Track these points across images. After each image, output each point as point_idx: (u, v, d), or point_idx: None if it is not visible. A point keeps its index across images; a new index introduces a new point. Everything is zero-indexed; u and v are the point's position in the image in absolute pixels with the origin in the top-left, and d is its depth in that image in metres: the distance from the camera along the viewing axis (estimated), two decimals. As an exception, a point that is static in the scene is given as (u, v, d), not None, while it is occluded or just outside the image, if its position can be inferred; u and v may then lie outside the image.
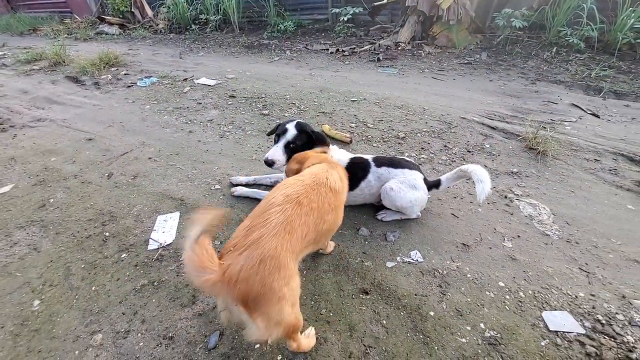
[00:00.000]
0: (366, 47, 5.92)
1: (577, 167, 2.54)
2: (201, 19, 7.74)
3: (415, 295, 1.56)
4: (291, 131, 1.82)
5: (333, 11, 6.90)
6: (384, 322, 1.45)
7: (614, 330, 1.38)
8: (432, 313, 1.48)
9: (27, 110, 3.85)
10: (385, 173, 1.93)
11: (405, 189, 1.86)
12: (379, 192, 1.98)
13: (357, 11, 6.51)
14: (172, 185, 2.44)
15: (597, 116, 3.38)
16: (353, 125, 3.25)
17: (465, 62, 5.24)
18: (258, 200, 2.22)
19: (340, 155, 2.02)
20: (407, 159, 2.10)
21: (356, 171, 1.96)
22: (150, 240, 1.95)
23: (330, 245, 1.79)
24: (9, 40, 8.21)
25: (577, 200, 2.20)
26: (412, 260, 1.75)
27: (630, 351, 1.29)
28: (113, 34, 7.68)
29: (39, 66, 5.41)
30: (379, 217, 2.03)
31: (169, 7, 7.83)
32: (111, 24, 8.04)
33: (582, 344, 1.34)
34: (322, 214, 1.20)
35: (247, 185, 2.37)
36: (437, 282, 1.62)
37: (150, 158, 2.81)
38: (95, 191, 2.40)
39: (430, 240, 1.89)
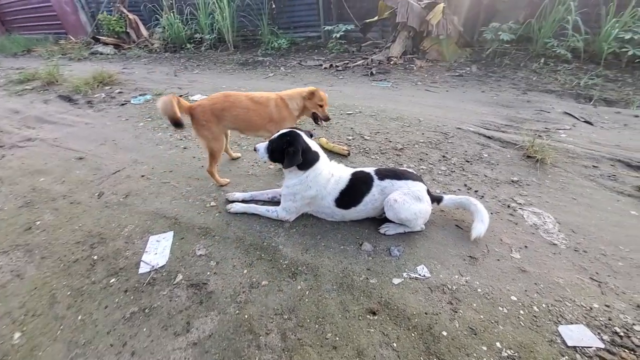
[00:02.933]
0: (359, 62, 6.03)
1: (577, 174, 2.53)
2: (196, 38, 7.87)
3: (426, 314, 1.48)
4: (275, 136, 1.87)
5: (325, 28, 7.08)
6: (395, 344, 1.36)
7: (632, 342, 1.31)
8: (444, 333, 1.39)
9: (17, 130, 3.77)
10: (389, 185, 1.88)
11: (409, 200, 1.81)
12: (382, 205, 1.93)
13: (348, 28, 6.67)
14: (165, 204, 2.35)
15: (591, 123, 3.42)
16: (350, 137, 3.23)
17: (457, 74, 5.34)
18: (256, 216, 2.15)
19: (340, 171, 1.97)
20: (409, 170, 2.06)
21: (359, 186, 1.91)
22: (141, 262, 1.85)
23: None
24: (2, 61, 8.20)
25: (580, 207, 2.17)
26: (419, 276, 1.67)
27: (656, 367, 1.22)
28: (108, 54, 7.73)
29: (31, 86, 5.37)
30: (382, 231, 1.96)
31: (165, 27, 7.95)
32: (106, 44, 8.11)
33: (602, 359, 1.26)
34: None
35: (244, 201, 2.30)
36: (447, 299, 1.55)
37: (143, 176, 2.73)
38: (84, 212, 2.30)
39: (436, 253, 1.82)
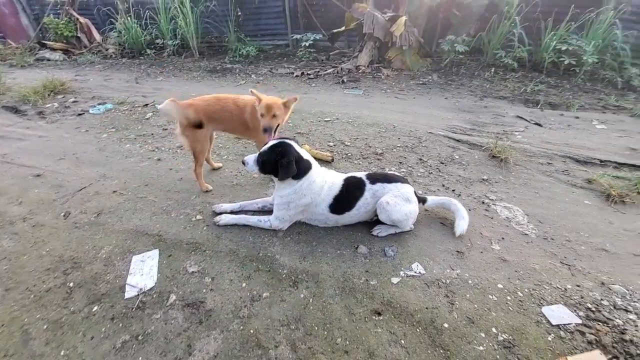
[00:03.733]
0: (329, 71, 6.18)
1: (535, 170, 2.84)
2: (157, 43, 7.48)
3: (426, 308, 1.55)
4: (265, 147, 1.86)
5: (294, 37, 7.16)
6: (402, 342, 1.41)
7: (604, 315, 1.51)
8: (446, 325, 1.48)
9: (-50, 147, 3.27)
10: (380, 189, 1.96)
11: (400, 202, 1.90)
12: (374, 208, 2.00)
13: (317, 37, 6.83)
14: (145, 220, 2.20)
15: (540, 125, 3.87)
16: (331, 144, 3.29)
17: (421, 82, 5.72)
18: (247, 227, 2.10)
19: (333, 177, 2.01)
20: (397, 173, 2.17)
21: (353, 191, 1.97)
22: (126, 286, 1.71)
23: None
24: None
25: (542, 200, 2.44)
26: (415, 273, 1.75)
27: (623, 333, 1.41)
28: (56, 60, 7.03)
29: (-37, 96, 4.71)
30: (375, 233, 2.03)
31: (121, 32, 7.46)
32: (54, 49, 7.37)
33: (582, 333, 1.43)
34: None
35: (232, 212, 2.23)
36: (443, 292, 1.64)
37: (114, 191, 2.53)
38: (51, 235, 2.07)
39: (427, 251, 1.93)
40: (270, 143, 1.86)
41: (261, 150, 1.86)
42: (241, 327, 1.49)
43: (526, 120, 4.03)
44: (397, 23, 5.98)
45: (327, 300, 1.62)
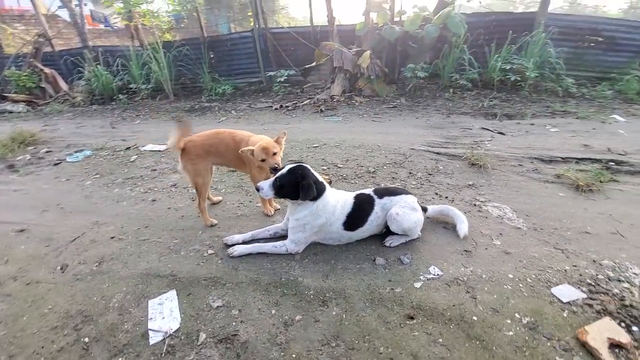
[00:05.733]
0: (306, 102, 6.53)
1: (510, 172, 3.18)
2: (130, 88, 7.46)
3: (453, 306, 1.65)
4: (282, 172, 1.93)
5: (268, 74, 7.55)
6: (440, 340, 1.48)
7: (602, 287, 1.70)
8: (474, 318, 1.57)
9: None
10: (387, 202, 2.10)
11: (408, 212, 2.05)
12: (383, 220, 2.12)
13: (290, 73, 7.26)
14: (153, 262, 2.12)
15: (503, 134, 4.35)
16: (325, 167, 3.44)
17: (391, 106, 6.21)
18: (262, 254, 2.10)
19: (344, 196, 2.13)
20: (398, 186, 2.33)
21: (364, 207, 2.08)
22: (149, 332, 1.62)
23: None
24: None
25: (523, 197, 2.72)
26: (434, 276, 1.86)
27: (622, 300, 1.60)
28: (19, 112, 6.69)
29: None
30: (387, 244, 2.13)
31: (90, 80, 7.37)
32: (15, 101, 7.03)
33: (590, 306, 1.60)
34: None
35: (244, 242, 2.23)
36: (464, 289, 1.76)
37: (113, 237, 2.42)
38: (50, 291, 1.92)
39: (438, 254, 2.06)
40: (288, 167, 1.95)
41: (277, 174, 1.93)
42: (282, 354, 1.47)
43: (491, 130, 4.52)
44: (363, 56, 6.58)
45: (360, 313, 1.66)
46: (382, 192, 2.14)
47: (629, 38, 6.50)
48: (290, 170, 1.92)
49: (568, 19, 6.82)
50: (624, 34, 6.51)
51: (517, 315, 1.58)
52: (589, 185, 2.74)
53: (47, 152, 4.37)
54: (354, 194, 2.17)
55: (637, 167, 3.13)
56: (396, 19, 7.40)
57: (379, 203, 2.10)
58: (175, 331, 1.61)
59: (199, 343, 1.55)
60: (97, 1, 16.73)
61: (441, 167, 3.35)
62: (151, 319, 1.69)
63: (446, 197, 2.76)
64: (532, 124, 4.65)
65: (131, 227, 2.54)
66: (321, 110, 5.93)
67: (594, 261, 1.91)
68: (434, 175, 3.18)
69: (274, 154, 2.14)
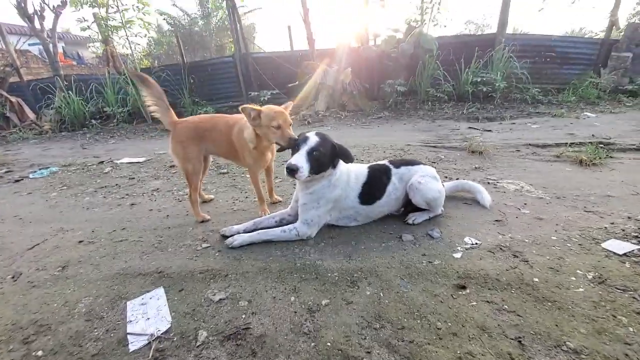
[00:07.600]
0: (292, 117, 6.47)
1: (511, 156, 3.15)
2: (105, 112, 7.07)
3: (506, 270, 1.41)
4: (312, 139, 1.65)
5: (250, 94, 7.52)
6: (506, 307, 1.21)
7: (651, 238, 1.55)
8: (536, 279, 1.34)
9: None
10: (406, 172, 1.90)
11: (430, 180, 1.86)
12: (402, 194, 1.91)
13: (274, 92, 7.28)
14: (134, 261, 1.72)
15: (490, 131, 4.45)
16: (323, 164, 3.23)
17: (377, 117, 6.31)
18: (268, 242, 1.78)
19: (357, 167, 1.92)
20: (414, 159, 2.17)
21: (380, 177, 1.87)
22: (129, 337, 1.22)
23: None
24: None
25: (533, 174, 2.65)
26: (473, 245, 1.63)
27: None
28: (-24, 141, 6.02)
29: None
30: (410, 221, 1.90)
31: (60, 107, 6.92)
32: (-26, 130, 6.37)
33: (648, 254, 1.43)
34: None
35: (245, 232, 1.89)
36: (511, 254, 1.53)
37: (81, 242, 2.00)
38: (-7, 303, 1.45)
39: (468, 226, 1.85)
40: (313, 134, 1.68)
41: (309, 147, 1.62)
42: (312, 344, 1.13)
43: (478, 129, 4.61)
44: (345, 73, 6.79)
45: (399, 289, 1.36)
46: (399, 163, 1.96)
47: (580, 52, 7.26)
48: (322, 136, 1.67)
49: (524, 37, 7.56)
50: (574, 49, 7.28)
51: (579, 271, 1.37)
52: (592, 160, 2.73)
53: (6, 172, 3.83)
54: (367, 165, 1.96)
55: (626, 147, 3.23)
56: (371, 42, 7.86)
57: (396, 173, 1.90)
58: (165, 332, 1.22)
59: (199, 343, 1.16)
60: (71, 42, 16.61)
61: (443, 157, 3.26)
62: (130, 321, 1.29)
63: (457, 179, 2.61)
64: (514, 123, 4.83)
65: (104, 230, 2.13)
66: (308, 122, 5.88)
67: (629, 217, 1.79)
68: (437, 164, 3.07)
69: (290, 123, 1.87)
